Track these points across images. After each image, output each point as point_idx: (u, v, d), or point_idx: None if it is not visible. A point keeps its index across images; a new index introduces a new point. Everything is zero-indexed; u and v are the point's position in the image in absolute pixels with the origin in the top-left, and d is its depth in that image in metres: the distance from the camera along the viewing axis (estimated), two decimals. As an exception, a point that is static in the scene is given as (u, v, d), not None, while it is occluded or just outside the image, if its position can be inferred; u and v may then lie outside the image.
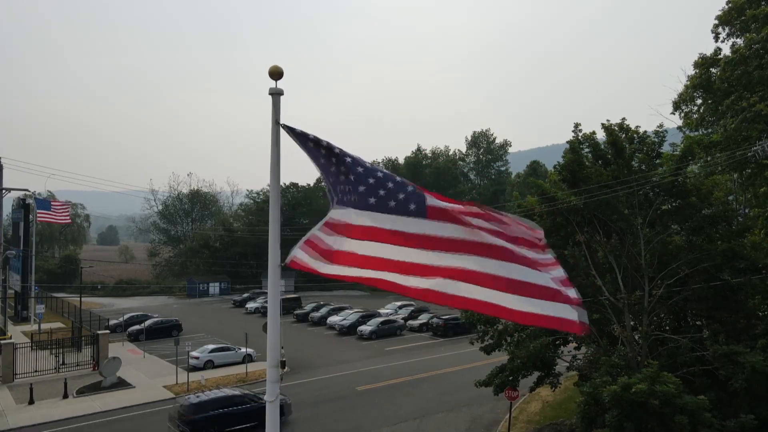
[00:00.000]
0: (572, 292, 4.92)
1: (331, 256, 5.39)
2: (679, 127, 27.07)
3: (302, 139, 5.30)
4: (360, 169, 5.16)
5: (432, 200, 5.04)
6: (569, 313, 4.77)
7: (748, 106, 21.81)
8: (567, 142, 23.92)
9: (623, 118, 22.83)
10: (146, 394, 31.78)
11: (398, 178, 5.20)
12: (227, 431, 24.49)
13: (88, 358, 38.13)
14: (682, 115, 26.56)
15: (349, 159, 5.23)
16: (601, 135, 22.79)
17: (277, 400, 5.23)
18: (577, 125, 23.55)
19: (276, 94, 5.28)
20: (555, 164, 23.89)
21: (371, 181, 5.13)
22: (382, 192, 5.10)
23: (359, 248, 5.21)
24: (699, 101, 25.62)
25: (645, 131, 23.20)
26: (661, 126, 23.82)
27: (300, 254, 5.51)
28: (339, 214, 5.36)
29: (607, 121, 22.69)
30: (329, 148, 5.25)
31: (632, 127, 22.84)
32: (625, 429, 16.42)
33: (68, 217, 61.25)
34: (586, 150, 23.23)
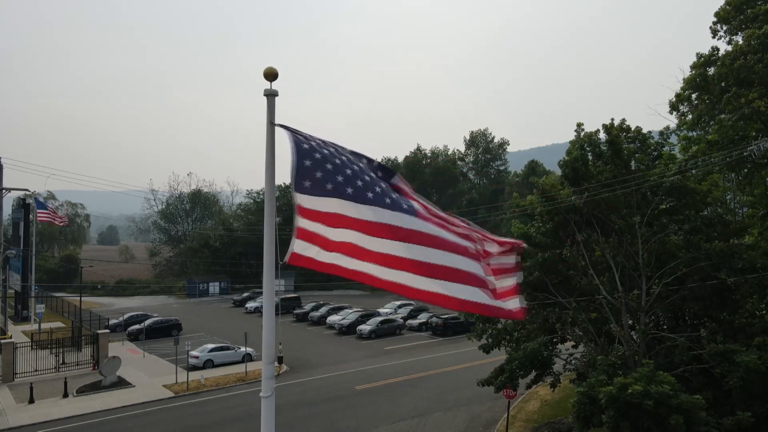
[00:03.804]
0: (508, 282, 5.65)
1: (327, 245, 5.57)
2: (673, 131, 27.12)
3: (298, 139, 5.38)
4: (348, 172, 5.33)
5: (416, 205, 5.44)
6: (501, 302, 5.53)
7: (746, 103, 21.83)
8: (570, 142, 24.04)
9: (623, 119, 22.96)
10: (146, 393, 31.86)
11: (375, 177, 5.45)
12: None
13: (88, 358, 38.20)
14: (679, 115, 26.61)
15: (343, 158, 5.39)
16: (603, 135, 22.96)
17: (272, 395, 5.32)
18: (579, 125, 23.69)
19: (271, 95, 5.35)
20: (560, 161, 23.94)
21: (361, 182, 5.32)
22: (377, 189, 5.32)
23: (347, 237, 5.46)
24: (696, 102, 25.65)
25: (650, 131, 23.34)
26: (667, 128, 24.01)
27: (297, 247, 5.58)
28: (323, 204, 5.49)
29: (611, 120, 22.86)
30: (326, 151, 5.40)
31: (632, 127, 22.97)
32: (621, 429, 16.49)
33: (65, 219, 62.05)
34: (588, 149, 23.35)
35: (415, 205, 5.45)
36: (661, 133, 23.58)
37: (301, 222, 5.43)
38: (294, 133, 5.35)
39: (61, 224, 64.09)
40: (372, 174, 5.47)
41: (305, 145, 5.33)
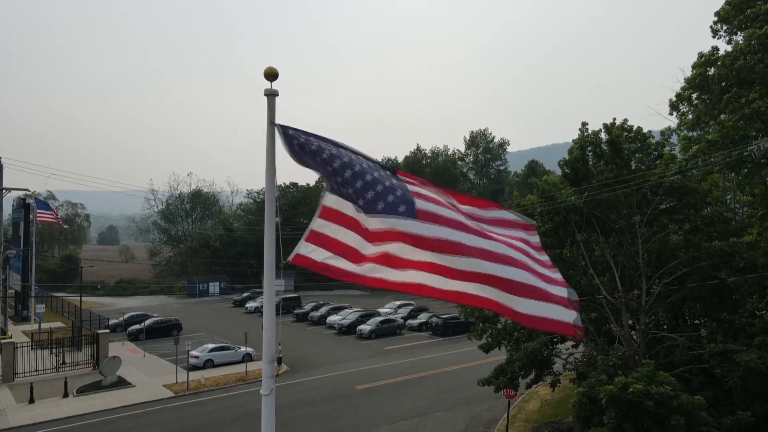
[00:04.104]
0: (567, 293, 5.15)
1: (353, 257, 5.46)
2: (674, 131, 27.17)
3: (291, 140, 5.27)
4: (349, 172, 5.26)
5: (420, 203, 5.25)
6: (565, 315, 5.01)
7: (746, 103, 21.83)
8: (573, 141, 24.05)
9: (625, 119, 22.99)
10: (146, 393, 31.86)
11: (387, 182, 5.36)
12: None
13: (89, 358, 38.20)
14: (679, 115, 26.63)
15: (340, 161, 5.29)
16: (604, 135, 23.00)
17: (272, 394, 5.32)
18: (584, 124, 23.74)
19: (271, 95, 5.34)
20: (560, 160, 23.96)
21: (362, 181, 5.25)
22: (371, 193, 5.22)
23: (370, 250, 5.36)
24: (696, 102, 25.67)
25: (650, 131, 23.35)
26: (669, 129, 24.00)
27: (305, 250, 5.52)
28: (337, 203, 5.45)
29: (613, 119, 22.90)
30: (326, 151, 5.31)
31: (633, 127, 23.00)
32: (623, 429, 16.48)
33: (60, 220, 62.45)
34: (588, 149, 23.38)
35: (420, 204, 5.27)
36: (662, 133, 23.63)
37: (316, 223, 5.44)
38: (292, 136, 5.25)
39: (62, 225, 64.39)
40: (375, 173, 5.33)
41: (299, 150, 5.30)
